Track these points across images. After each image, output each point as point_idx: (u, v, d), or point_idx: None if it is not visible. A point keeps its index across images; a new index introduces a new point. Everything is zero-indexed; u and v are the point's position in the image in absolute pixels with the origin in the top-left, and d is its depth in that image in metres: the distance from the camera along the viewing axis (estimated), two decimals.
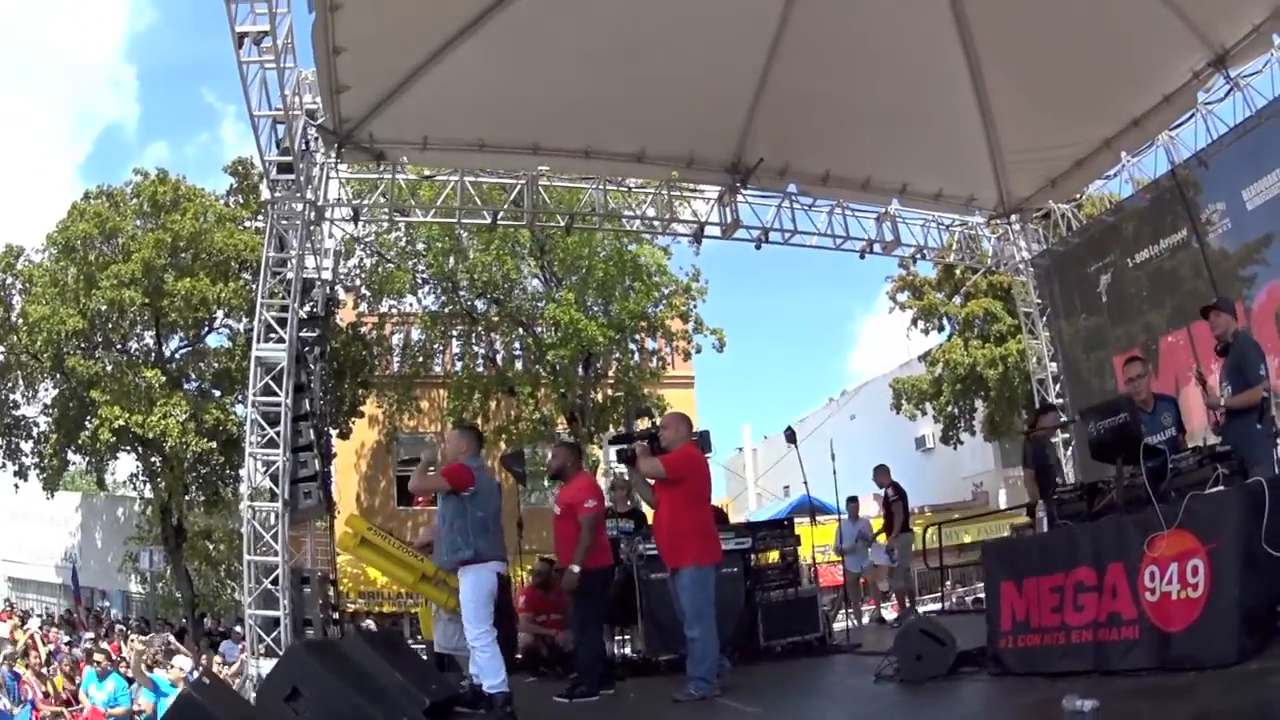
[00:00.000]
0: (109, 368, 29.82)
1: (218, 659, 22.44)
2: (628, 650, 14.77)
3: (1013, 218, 21.50)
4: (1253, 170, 16.41)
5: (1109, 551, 7.82)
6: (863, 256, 20.83)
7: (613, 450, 15.66)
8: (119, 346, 31.01)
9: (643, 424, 12.04)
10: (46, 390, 32.05)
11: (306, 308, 17.45)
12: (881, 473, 18.99)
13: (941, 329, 38.52)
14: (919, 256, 22.60)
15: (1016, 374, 32.26)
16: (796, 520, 17.90)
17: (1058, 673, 7.82)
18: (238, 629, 24.17)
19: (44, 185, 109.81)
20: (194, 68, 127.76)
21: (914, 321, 38.62)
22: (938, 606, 19.30)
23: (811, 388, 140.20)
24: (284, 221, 16.91)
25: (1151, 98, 17.36)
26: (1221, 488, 7.60)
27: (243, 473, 16.60)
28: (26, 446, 32.56)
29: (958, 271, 32.06)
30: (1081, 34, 15.60)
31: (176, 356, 32.32)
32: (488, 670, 9.36)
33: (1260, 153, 16.27)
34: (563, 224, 21.16)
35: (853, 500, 19.60)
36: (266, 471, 15.91)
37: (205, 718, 7.01)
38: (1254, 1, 15.29)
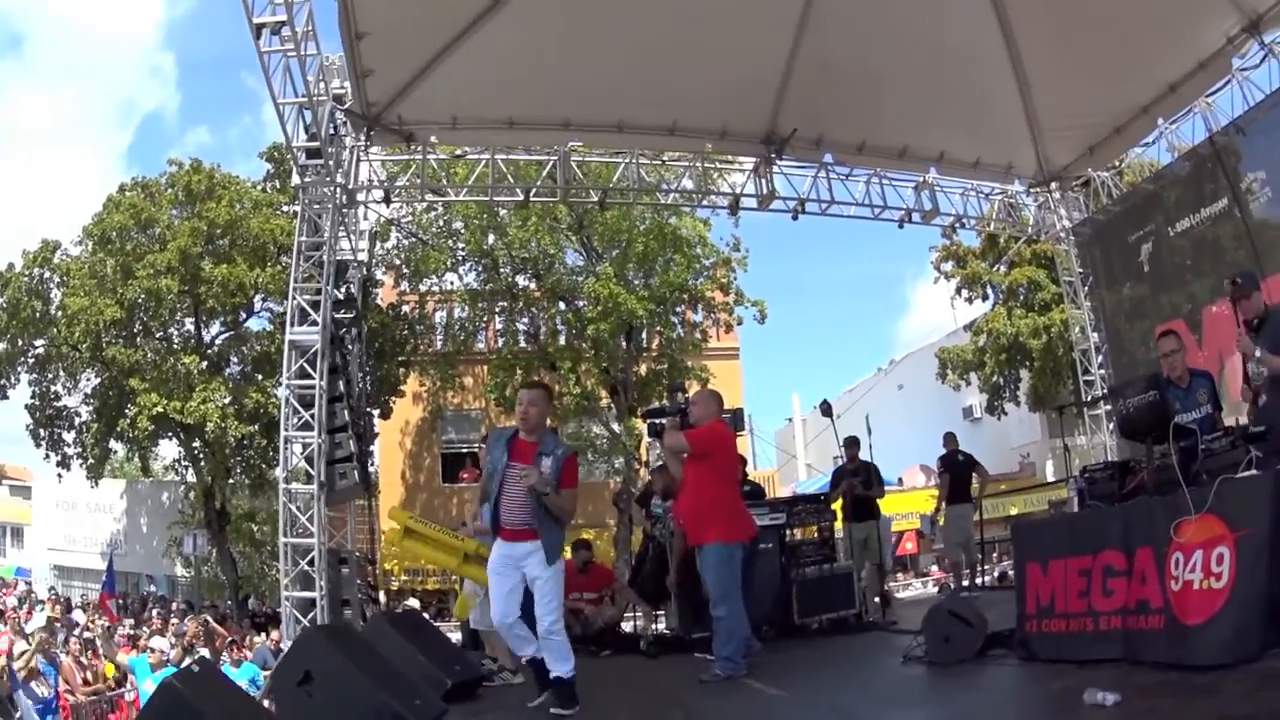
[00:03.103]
0: (150, 355, 30.02)
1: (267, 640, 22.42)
2: (662, 626, 14.76)
3: (1053, 185, 21.28)
4: None
5: (1138, 535, 7.55)
6: (901, 226, 20.65)
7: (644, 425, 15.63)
8: (159, 335, 31.23)
9: (676, 400, 12.30)
10: (88, 380, 32.35)
11: (341, 290, 17.46)
12: (948, 440, 18.26)
13: (986, 298, 38.28)
14: (959, 225, 22.40)
15: (1060, 344, 31.98)
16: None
17: (1086, 660, 7.64)
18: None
19: (89, 176, 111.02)
20: (233, 52, 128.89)
21: (958, 290, 38.39)
22: (976, 581, 19.01)
23: (862, 355, 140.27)
24: (315, 206, 16.94)
25: (1186, 63, 17.15)
26: (1255, 472, 7.24)
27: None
28: (69, 437, 32.87)
29: (1001, 240, 31.86)
30: None
31: (217, 342, 32.53)
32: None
33: None
34: (596, 199, 21.08)
35: None
36: (303, 454, 16.05)
37: (186, 710, 6.85)
38: None
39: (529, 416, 8.87)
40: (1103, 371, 21.00)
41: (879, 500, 16.78)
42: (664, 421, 10.96)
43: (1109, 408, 19.49)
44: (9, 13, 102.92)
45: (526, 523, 8.60)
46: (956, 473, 17.88)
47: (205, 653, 20.14)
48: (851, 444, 16.68)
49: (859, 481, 16.08)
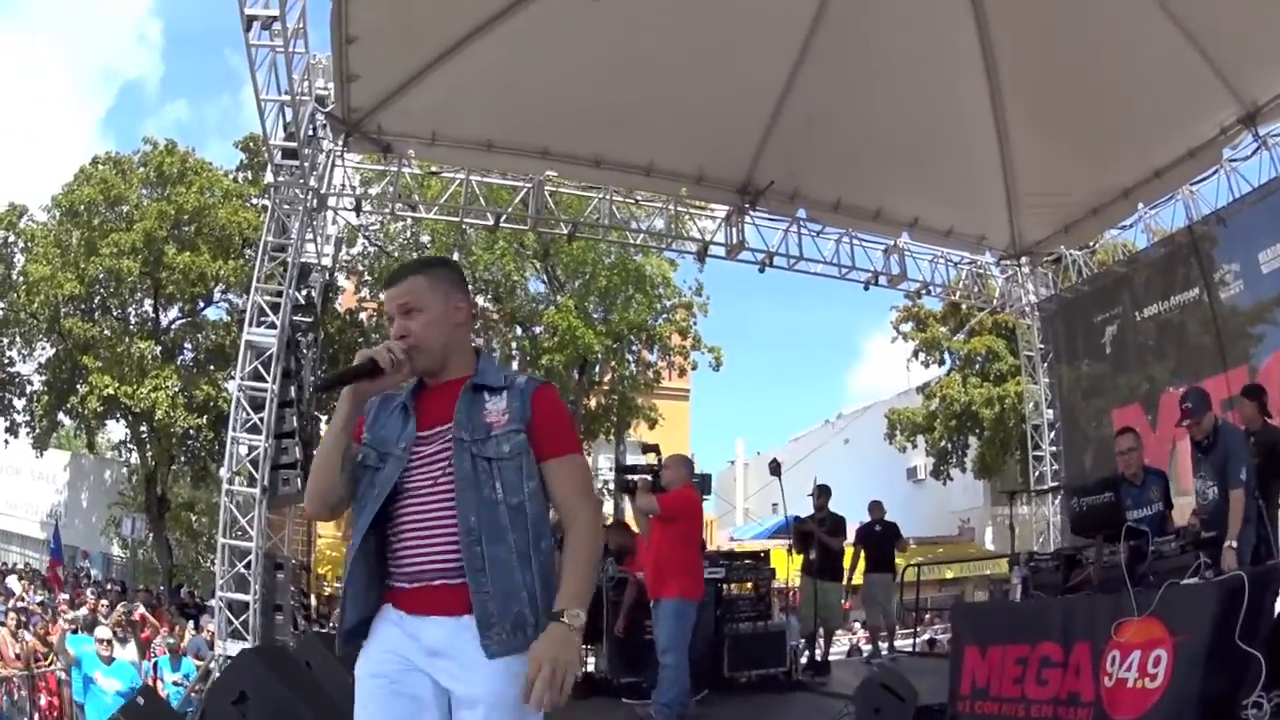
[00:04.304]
0: (106, 333, 29.97)
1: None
2: (591, 667, 14.74)
3: (1023, 259, 21.24)
4: (1272, 233, 16.16)
5: (1078, 629, 7.64)
6: (867, 288, 20.54)
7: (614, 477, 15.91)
8: (117, 314, 31.15)
9: (649, 459, 13.17)
10: (44, 350, 32.19)
11: (303, 294, 17.36)
12: (873, 509, 18.04)
13: (942, 363, 38.36)
14: (924, 292, 22.37)
15: (1012, 415, 32.08)
16: (778, 544, 17.77)
17: None
18: (212, 602, 24.25)
19: (64, 139, 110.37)
20: (221, 28, 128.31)
21: (915, 353, 38.48)
22: (909, 646, 19.05)
23: (810, 405, 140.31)
24: (286, 206, 16.80)
25: (1176, 149, 17.00)
26: (1199, 580, 7.35)
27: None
28: (19, 404, 32.89)
29: (963, 307, 31.92)
30: (1111, 79, 15.38)
31: (173, 328, 32.35)
32: None
33: None
34: (565, 231, 21.00)
35: None
36: (248, 456, 15.87)
37: None
38: None
39: (411, 331, 4.03)
40: (1053, 448, 20.96)
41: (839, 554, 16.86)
42: (637, 480, 11.78)
43: (1055, 484, 19.57)
44: None
45: (473, 564, 3.93)
46: (872, 546, 17.73)
47: (133, 644, 19.96)
48: (823, 493, 16.69)
49: (824, 530, 16.17)
